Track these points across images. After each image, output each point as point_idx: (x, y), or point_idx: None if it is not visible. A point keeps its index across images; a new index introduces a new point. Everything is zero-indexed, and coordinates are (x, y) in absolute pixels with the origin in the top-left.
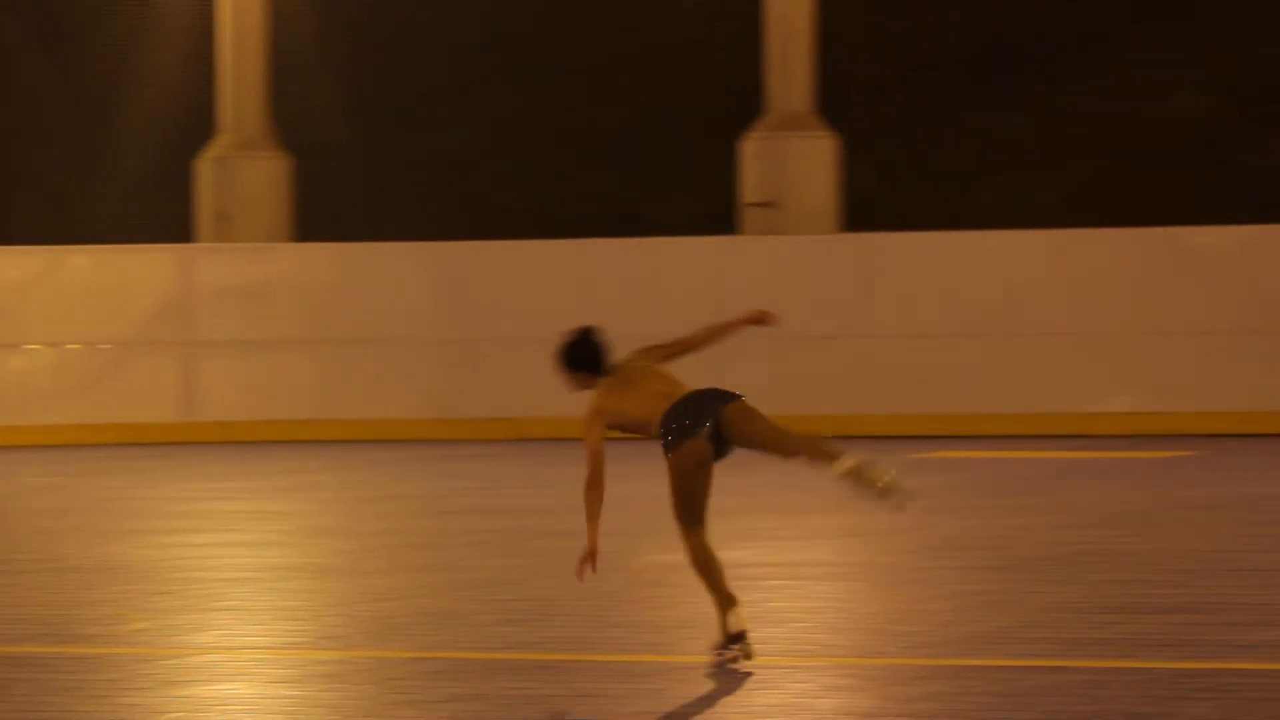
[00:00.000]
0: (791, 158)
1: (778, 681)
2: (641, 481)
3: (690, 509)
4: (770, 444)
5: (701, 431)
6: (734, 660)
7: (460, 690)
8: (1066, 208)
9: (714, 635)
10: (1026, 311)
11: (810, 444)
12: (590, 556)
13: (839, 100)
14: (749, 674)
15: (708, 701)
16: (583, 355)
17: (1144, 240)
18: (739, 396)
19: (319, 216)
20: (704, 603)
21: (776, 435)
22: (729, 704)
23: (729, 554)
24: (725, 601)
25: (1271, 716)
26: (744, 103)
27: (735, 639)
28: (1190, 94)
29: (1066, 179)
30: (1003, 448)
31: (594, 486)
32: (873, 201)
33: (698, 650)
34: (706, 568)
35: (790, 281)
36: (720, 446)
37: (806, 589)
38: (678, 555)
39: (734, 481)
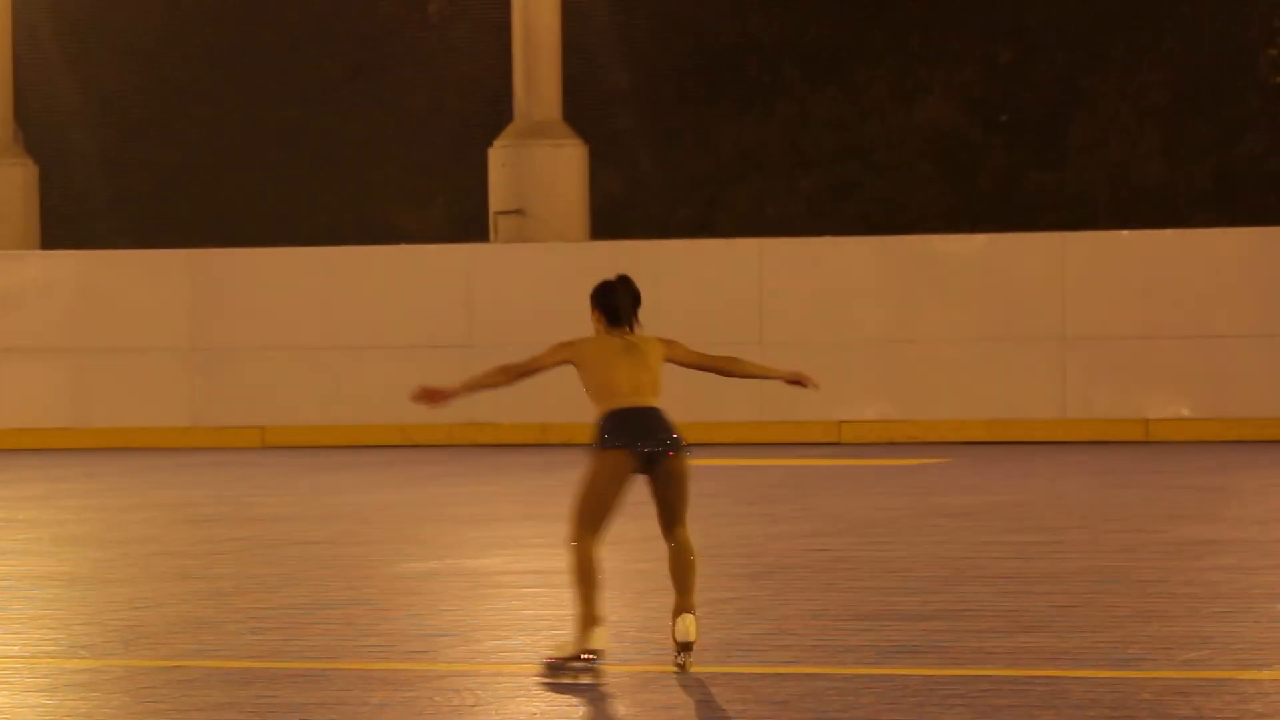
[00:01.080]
0: (539, 165)
1: (535, 691)
2: (399, 490)
3: (591, 514)
4: (667, 513)
5: (636, 452)
6: (573, 674)
7: (213, 699)
8: (813, 215)
9: (483, 643)
10: (776, 318)
11: (680, 552)
12: (434, 394)
13: (588, 108)
14: (506, 679)
15: (466, 710)
16: (604, 296)
17: (891, 248)
18: (685, 448)
19: (67, 224)
20: (461, 611)
21: (673, 513)
22: (486, 712)
23: (481, 562)
24: (589, 619)
25: (1022, 719)
26: (493, 111)
27: (582, 656)
28: (935, 104)
29: (813, 187)
30: (755, 456)
31: (506, 371)
32: (622, 208)
33: (456, 659)
34: (583, 577)
35: (540, 289)
36: (646, 471)
37: (559, 596)
38: (434, 564)
39: (486, 490)
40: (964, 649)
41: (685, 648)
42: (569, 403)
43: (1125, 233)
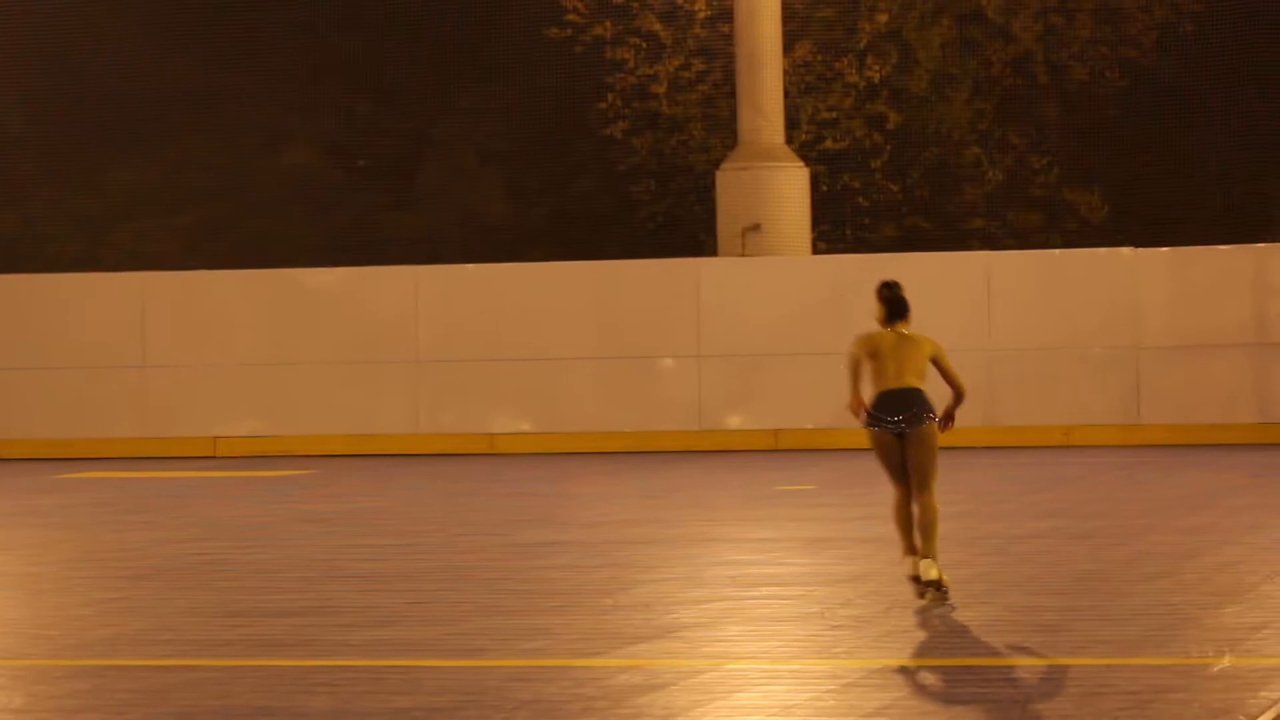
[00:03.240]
0: None
1: None
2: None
3: (890, 473)
4: (915, 475)
5: (887, 427)
6: (921, 595)
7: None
8: (191, 251)
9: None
10: (158, 344)
11: (925, 510)
12: (856, 406)
13: None
14: None
15: None
16: (884, 295)
17: (263, 281)
18: (929, 421)
19: None
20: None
21: (919, 475)
22: None
23: None
24: (908, 549)
25: (381, 706)
26: None
27: (916, 579)
28: (300, 150)
29: (190, 225)
30: (137, 469)
31: (856, 373)
32: (16, 245)
33: None
34: (896, 518)
35: None
36: (900, 439)
37: None
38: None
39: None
40: (328, 642)
41: (931, 584)
42: None
43: (471, 266)
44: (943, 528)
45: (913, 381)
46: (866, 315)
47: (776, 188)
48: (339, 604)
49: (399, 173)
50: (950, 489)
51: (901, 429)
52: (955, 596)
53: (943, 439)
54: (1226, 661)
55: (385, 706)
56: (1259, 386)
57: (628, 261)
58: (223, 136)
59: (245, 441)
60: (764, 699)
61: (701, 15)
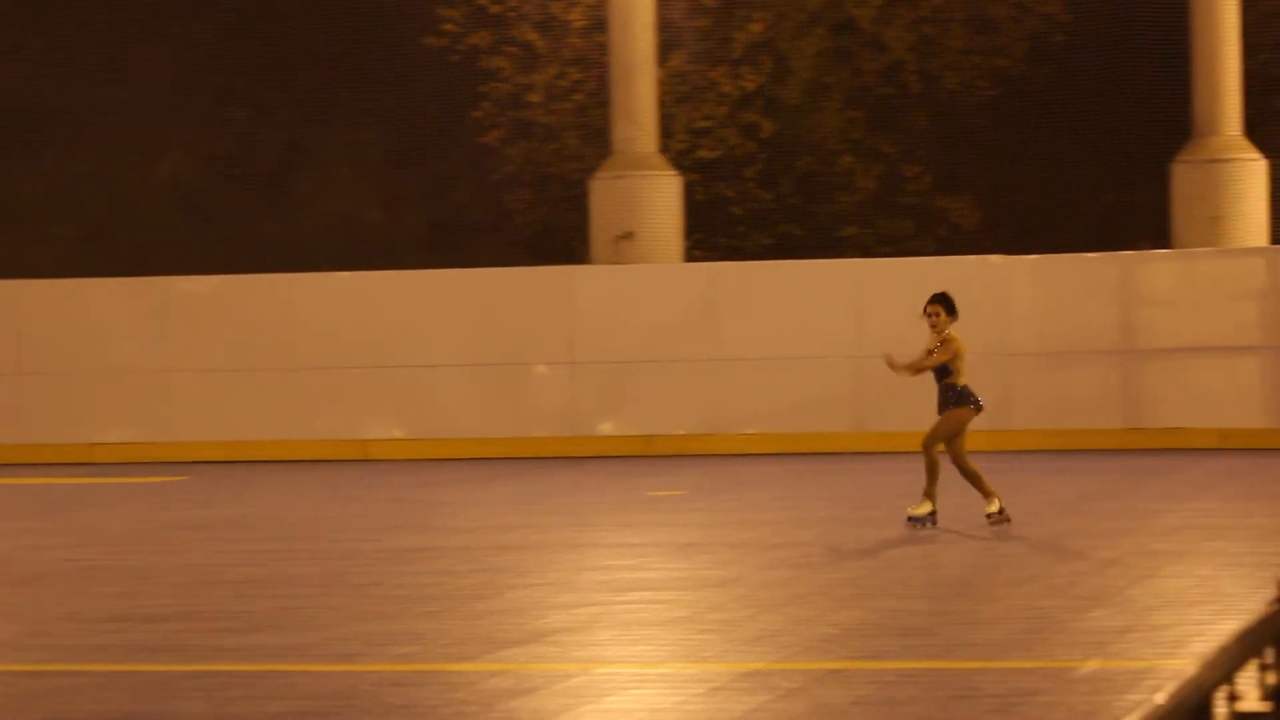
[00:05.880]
0: None
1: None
2: None
3: (950, 436)
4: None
5: (977, 407)
6: (1005, 523)
7: None
8: (73, 259)
9: None
10: (33, 352)
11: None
12: (895, 363)
13: None
14: None
15: None
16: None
17: (141, 289)
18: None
19: None
20: None
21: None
22: None
23: None
24: (986, 492)
25: (254, 711)
26: None
27: (991, 515)
28: (177, 159)
29: (70, 234)
30: (13, 475)
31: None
32: None
33: None
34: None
35: None
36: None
37: None
38: None
39: None
40: (202, 647)
41: (998, 513)
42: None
43: (346, 274)
44: (811, 533)
45: None
46: (738, 322)
47: (650, 196)
48: (213, 609)
49: (275, 181)
50: (820, 494)
51: (980, 407)
52: (823, 602)
53: (814, 445)
54: (1093, 665)
55: (258, 711)
56: (1126, 393)
57: (502, 269)
58: (99, 146)
59: (122, 448)
60: (634, 703)
61: (577, 25)
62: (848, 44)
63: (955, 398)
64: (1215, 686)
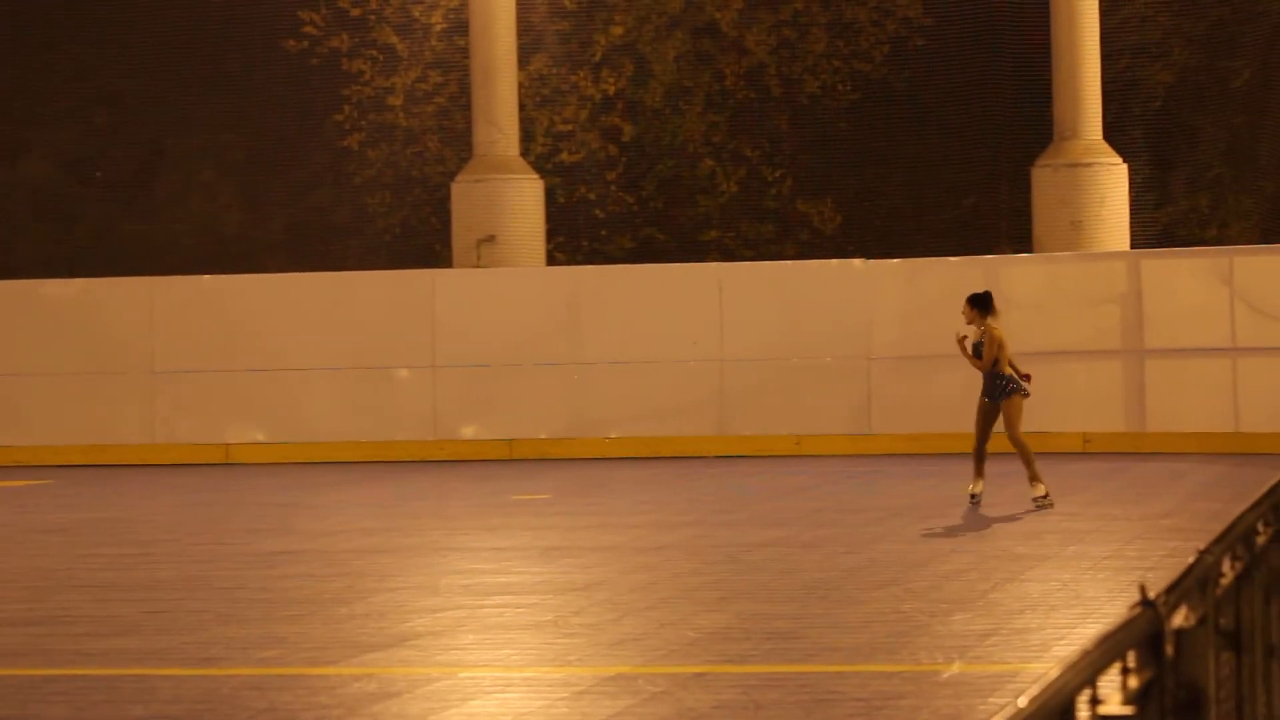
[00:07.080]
0: None
1: None
2: None
3: (1017, 421)
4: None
5: (1026, 393)
6: (1049, 507)
7: None
8: None
9: None
10: None
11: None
12: (963, 344)
13: None
14: None
15: None
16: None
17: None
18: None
19: None
20: None
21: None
22: None
23: None
24: (1034, 475)
25: (116, 714)
26: None
27: (1037, 499)
28: (36, 162)
29: None
30: None
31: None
32: None
33: None
34: (1027, 453)
35: None
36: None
37: None
38: None
39: None
40: (63, 651)
41: (1042, 497)
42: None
43: (208, 277)
44: (674, 536)
45: None
46: (600, 325)
47: (511, 200)
48: (75, 613)
49: (136, 184)
50: (682, 498)
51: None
52: (686, 605)
53: (676, 448)
54: (956, 668)
55: (120, 715)
56: None
57: (363, 273)
58: None
59: None
60: (498, 707)
61: (438, 28)
62: (709, 47)
63: (1007, 387)
64: (1078, 690)
